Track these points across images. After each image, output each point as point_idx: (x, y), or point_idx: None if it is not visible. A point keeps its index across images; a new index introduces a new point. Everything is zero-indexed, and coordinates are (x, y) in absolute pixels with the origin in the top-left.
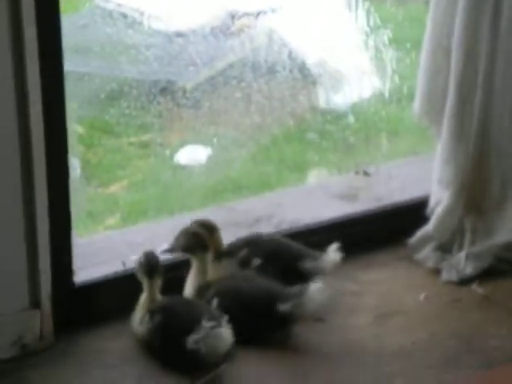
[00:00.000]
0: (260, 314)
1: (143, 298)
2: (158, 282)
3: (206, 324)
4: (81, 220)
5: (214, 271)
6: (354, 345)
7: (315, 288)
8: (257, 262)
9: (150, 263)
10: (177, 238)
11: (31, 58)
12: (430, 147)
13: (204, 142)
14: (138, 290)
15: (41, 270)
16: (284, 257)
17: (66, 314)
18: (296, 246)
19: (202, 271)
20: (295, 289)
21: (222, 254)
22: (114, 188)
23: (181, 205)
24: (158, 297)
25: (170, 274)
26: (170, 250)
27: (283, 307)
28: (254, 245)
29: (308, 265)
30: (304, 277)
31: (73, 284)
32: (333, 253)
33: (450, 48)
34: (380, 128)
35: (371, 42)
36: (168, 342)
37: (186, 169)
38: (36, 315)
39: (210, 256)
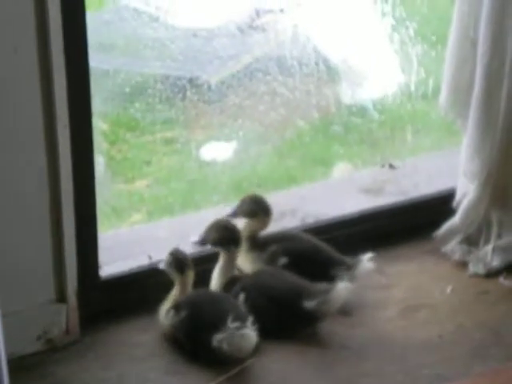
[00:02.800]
0: (285, 310)
1: (174, 292)
2: (191, 277)
3: (231, 325)
4: (106, 216)
5: (245, 262)
6: (381, 338)
7: (342, 287)
8: (283, 260)
9: (179, 259)
10: (207, 231)
11: (57, 55)
12: (456, 143)
13: (229, 137)
14: (163, 284)
15: (67, 264)
16: (315, 261)
17: (92, 308)
18: (328, 249)
19: (231, 266)
20: (321, 286)
21: (256, 245)
22: (138, 184)
23: (206, 200)
24: (189, 291)
25: (197, 268)
26: (201, 243)
27: (309, 304)
28: (284, 242)
29: (341, 273)
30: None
31: (99, 278)
32: (367, 262)
33: (476, 39)
34: (405, 122)
35: (397, 36)
36: (193, 338)
37: (211, 164)
38: (62, 309)
39: (240, 250)
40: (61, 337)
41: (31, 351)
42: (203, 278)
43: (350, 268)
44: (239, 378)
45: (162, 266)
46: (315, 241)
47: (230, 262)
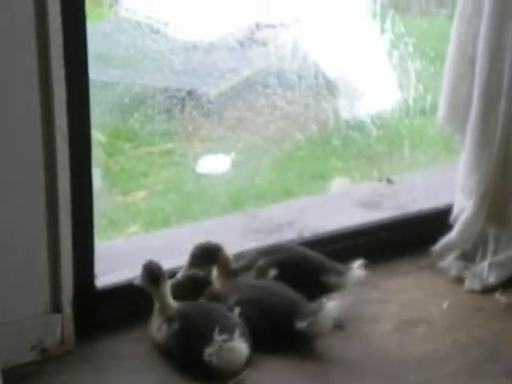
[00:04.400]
0: (278, 329)
1: (156, 307)
2: (166, 288)
3: (218, 337)
4: (102, 228)
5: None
6: (377, 352)
7: (332, 306)
8: (273, 272)
9: (151, 271)
10: None
11: (56, 67)
12: (453, 159)
13: (227, 149)
14: None
15: (62, 274)
16: (305, 268)
17: (87, 319)
18: (317, 257)
19: (223, 276)
20: (312, 306)
21: (231, 273)
22: (135, 196)
23: (203, 213)
24: (172, 302)
25: None
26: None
27: (300, 325)
28: (270, 255)
29: (331, 279)
30: (325, 290)
31: (94, 289)
32: (357, 269)
33: (474, 56)
34: (403, 138)
35: (395, 52)
36: (185, 350)
37: (209, 177)
38: (57, 319)
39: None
40: (55, 347)
41: (26, 361)
42: None
43: (341, 275)
44: None
45: (136, 281)
46: (304, 250)
47: (221, 272)
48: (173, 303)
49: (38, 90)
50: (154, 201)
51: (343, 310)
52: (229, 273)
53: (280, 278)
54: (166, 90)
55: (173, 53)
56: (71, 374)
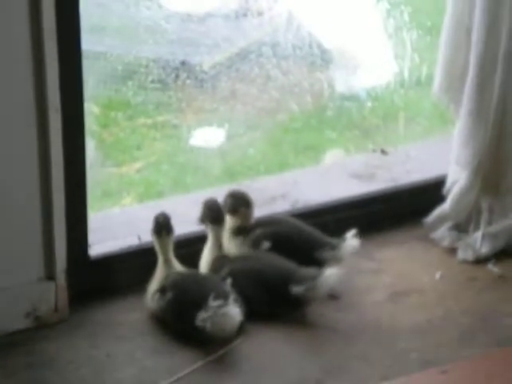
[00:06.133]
0: (273, 295)
1: (159, 262)
2: (168, 242)
3: (213, 303)
4: (97, 199)
5: (231, 246)
6: (370, 322)
7: (330, 273)
8: (266, 245)
9: (158, 222)
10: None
11: (49, 38)
12: (448, 131)
13: (221, 121)
14: (152, 264)
15: (56, 242)
16: (299, 244)
17: (81, 287)
18: (312, 231)
19: (216, 245)
20: (309, 271)
21: (241, 231)
22: (129, 168)
23: (197, 185)
24: (173, 259)
25: (189, 248)
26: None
27: (297, 289)
28: (267, 226)
29: (326, 254)
30: (320, 265)
31: (88, 257)
32: (351, 240)
33: (471, 26)
34: (398, 109)
35: (391, 21)
36: (179, 319)
37: (202, 150)
38: (51, 287)
39: (224, 230)
40: (49, 314)
41: (19, 328)
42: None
43: (334, 248)
44: (227, 358)
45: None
46: (299, 224)
47: (216, 241)
48: (174, 261)
49: (30, 61)
50: (147, 172)
51: (338, 280)
52: (238, 231)
53: (273, 250)
54: (160, 59)
55: (167, 22)
56: (65, 342)
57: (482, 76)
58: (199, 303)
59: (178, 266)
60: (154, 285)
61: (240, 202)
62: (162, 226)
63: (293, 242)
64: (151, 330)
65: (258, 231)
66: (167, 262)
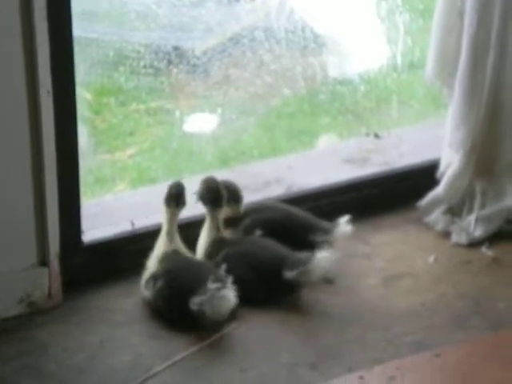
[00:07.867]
0: (266, 280)
1: (161, 234)
2: (174, 214)
3: (211, 285)
4: (89, 186)
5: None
6: (364, 306)
7: (322, 256)
8: (258, 233)
9: (170, 192)
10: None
11: (40, 22)
12: (441, 114)
13: (213, 107)
14: (146, 250)
15: (49, 228)
16: (291, 228)
17: (75, 273)
18: (304, 215)
19: (214, 227)
20: (302, 256)
21: (231, 222)
22: (122, 154)
23: (190, 171)
24: (176, 235)
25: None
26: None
27: (289, 274)
28: (256, 214)
29: (318, 238)
30: (313, 249)
31: (81, 243)
32: (344, 225)
33: (463, 9)
34: (391, 93)
35: (384, 4)
36: (172, 304)
37: (195, 135)
38: (44, 273)
39: (221, 213)
40: (43, 300)
41: (13, 314)
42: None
43: (327, 232)
44: (221, 343)
45: None
46: (290, 209)
47: (213, 223)
48: (176, 236)
49: (21, 46)
50: (140, 158)
51: (331, 263)
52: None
53: (266, 236)
54: (152, 45)
55: (158, 7)
56: (59, 327)
57: (475, 59)
58: (193, 288)
59: (178, 242)
60: (152, 260)
61: (230, 196)
62: (172, 197)
63: (285, 227)
64: (145, 316)
65: (249, 219)
66: (169, 234)
